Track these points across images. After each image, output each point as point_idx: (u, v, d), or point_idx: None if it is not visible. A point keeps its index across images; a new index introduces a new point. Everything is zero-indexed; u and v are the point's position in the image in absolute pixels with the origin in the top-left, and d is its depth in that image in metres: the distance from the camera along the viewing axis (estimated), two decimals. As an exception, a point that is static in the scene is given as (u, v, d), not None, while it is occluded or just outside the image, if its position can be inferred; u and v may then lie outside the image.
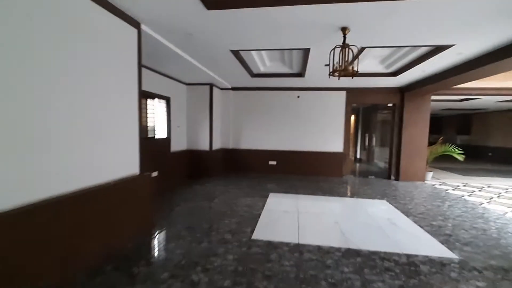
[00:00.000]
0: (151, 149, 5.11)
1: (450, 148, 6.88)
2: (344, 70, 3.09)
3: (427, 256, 2.71)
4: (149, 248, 2.87)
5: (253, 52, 4.57)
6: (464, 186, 6.40)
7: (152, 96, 5.15)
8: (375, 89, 6.85)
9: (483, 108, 11.79)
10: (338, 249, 2.84)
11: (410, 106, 6.69)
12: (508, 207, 4.65)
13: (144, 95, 4.88)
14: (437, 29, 3.14)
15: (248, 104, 7.40)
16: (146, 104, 4.96)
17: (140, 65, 3.14)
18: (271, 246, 2.90)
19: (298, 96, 7.19)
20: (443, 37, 3.37)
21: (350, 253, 2.76)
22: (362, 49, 3.74)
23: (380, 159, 10.01)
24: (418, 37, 3.39)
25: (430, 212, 4.19)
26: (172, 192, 5.21)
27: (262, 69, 5.70)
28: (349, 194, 5.32)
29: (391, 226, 3.55)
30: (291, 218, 3.78)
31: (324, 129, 7.16)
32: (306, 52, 4.15)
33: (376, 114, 9.79)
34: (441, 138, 7.51)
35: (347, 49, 3.11)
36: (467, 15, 2.76)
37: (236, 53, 4.20)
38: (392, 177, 7.00)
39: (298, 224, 3.56)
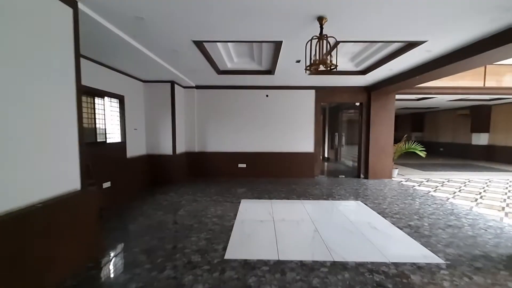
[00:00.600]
0: (102, 155, 4.38)
1: (413, 145, 7.12)
2: (322, 62, 2.80)
3: (414, 264, 2.53)
4: (94, 285, 2.27)
5: (219, 46, 4.12)
6: (427, 181, 6.65)
7: (101, 94, 4.41)
8: (343, 88, 6.82)
9: (435, 107, 12.73)
10: (323, 264, 2.53)
11: (376, 105, 6.78)
12: (472, 201, 4.82)
13: (90, 93, 4.14)
14: (412, 25, 3.02)
15: (215, 104, 6.90)
16: (93, 104, 4.21)
17: (78, 55, 2.52)
18: (248, 267, 2.48)
19: (267, 95, 6.88)
20: (417, 33, 3.28)
21: (337, 268, 2.46)
22: (337, 43, 3.51)
23: (347, 157, 10.18)
24: (393, 33, 3.25)
25: (405, 212, 4.13)
26: (129, 204, 4.52)
27: (229, 66, 5.26)
28: (323, 196, 5.13)
29: (372, 230, 3.36)
30: (267, 229, 3.40)
31: (295, 129, 6.95)
32: (277, 46, 3.82)
33: (342, 113, 9.93)
34: (405, 136, 7.78)
35: (325, 40, 2.82)
36: (442, 10, 2.66)
37: (199, 45, 3.71)
38: (362, 176, 7.04)
39: (275, 235, 3.19)
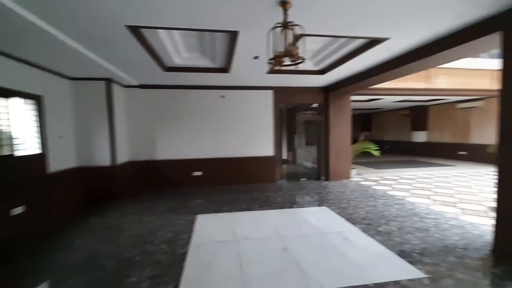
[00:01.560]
0: (8, 173, 3.33)
1: (368, 145, 7.27)
2: (288, 54, 2.38)
3: (397, 283, 2.24)
4: None
5: (163, 35, 3.44)
6: (382, 180, 6.81)
7: (6, 93, 3.37)
8: (301, 88, 6.62)
9: (381, 108, 13.63)
10: (299, 297, 2.09)
11: (334, 106, 6.73)
12: (427, 199, 4.95)
13: (-15, 91, 3.09)
14: (377, 20, 2.81)
15: (164, 106, 6.09)
16: (-10, 106, 3.17)
17: None
18: (206, 315, 1.91)
19: (223, 96, 6.32)
20: (382, 29, 3.09)
21: (316, 300, 2.04)
22: (300, 36, 3.15)
23: (306, 159, 10.15)
24: (358, 27, 3.01)
25: (371, 216, 3.97)
26: (52, 234, 3.53)
27: (178, 61, 4.58)
28: (288, 203, 4.77)
29: (344, 242, 3.06)
30: (229, 253, 2.85)
31: (253, 132, 6.52)
32: (232, 37, 3.31)
33: (300, 114, 9.87)
34: (361, 136, 7.95)
35: (290, 30, 2.41)
36: (407, 3, 2.46)
37: (136, 31, 3.00)
38: (322, 178, 6.93)
39: (240, 261, 2.66)
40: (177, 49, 4.09)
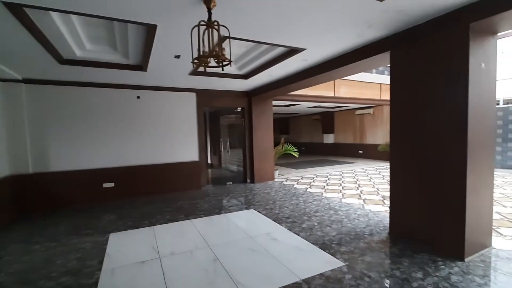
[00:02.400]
0: None
1: (289, 147, 7.81)
2: (213, 55, 2.26)
3: (322, 275, 2.40)
4: None
5: (58, 20, 2.81)
6: (302, 179, 7.42)
7: None
8: (225, 92, 6.59)
9: (297, 113, 14.97)
10: (233, 309, 1.98)
11: (257, 110, 6.96)
12: (338, 193, 5.62)
13: None
14: (294, 31, 3.00)
15: (61, 106, 5.03)
16: None
17: None
18: None
19: (138, 97, 5.69)
20: (298, 40, 3.31)
21: (249, 310, 1.97)
22: (225, 38, 3.08)
23: (231, 162, 10.18)
24: (279, 35, 3.14)
25: (296, 214, 4.22)
26: None
27: (79, 54, 3.85)
28: (215, 209, 4.60)
29: (273, 243, 3.12)
30: (152, 274, 2.51)
31: (176, 136, 6.10)
32: (150, 32, 2.97)
33: (223, 118, 9.84)
34: (283, 139, 8.47)
35: (214, 29, 2.29)
36: (317, 19, 2.73)
37: (17, 11, 2.35)
38: (248, 180, 7.04)
39: (165, 282, 2.36)
40: (78, 39, 3.42)
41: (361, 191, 5.77)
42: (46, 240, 3.44)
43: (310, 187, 6.26)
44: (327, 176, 7.70)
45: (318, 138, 15.18)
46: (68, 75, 4.59)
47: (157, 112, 5.88)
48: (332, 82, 7.94)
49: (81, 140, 5.17)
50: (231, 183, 6.96)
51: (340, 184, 6.52)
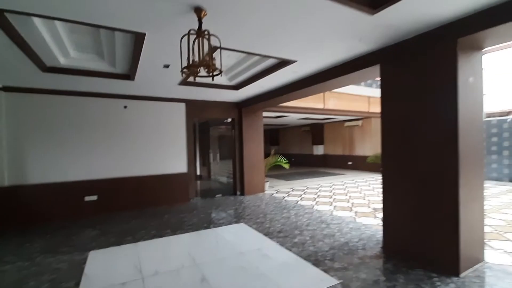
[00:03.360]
0: None
1: (279, 158, 7.75)
2: (204, 65, 2.19)
3: (316, 294, 2.28)
4: None
5: (40, 25, 2.69)
6: (292, 191, 7.32)
7: None
8: (215, 103, 6.52)
9: (287, 124, 15.05)
10: (221, 336, 1.82)
11: (247, 122, 6.90)
12: (329, 205, 5.55)
13: None
14: (284, 43, 3.01)
15: (42, 115, 4.81)
16: None
17: None
18: None
19: (125, 106, 5.53)
20: (290, 52, 3.31)
21: (239, 336, 1.82)
22: (214, 49, 3.03)
23: (221, 174, 10.01)
24: (268, 46, 3.13)
25: (286, 228, 4.10)
26: None
27: (63, 61, 3.71)
28: (204, 224, 4.42)
29: (264, 260, 2.98)
30: (132, 297, 2.32)
31: (164, 147, 5.93)
32: (138, 40, 2.89)
33: (213, 129, 9.74)
34: (273, 151, 8.41)
35: (206, 38, 2.24)
36: (309, 34, 2.74)
37: (-4, 15, 2.23)
38: (238, 193, 6.89)
39: (147, 307, 2.18)
40: (62, 46, 3.29)
41: (352, 203, 5.72)
42: (19, 260, 3.18)
43: (301, 200, 6.17)
44: (318, 188, 7.64)
45: (308, 150, 15.24)
46: (51, 83, 4.42)
47: (144, 122, 5.72)
48: (322, 94, 8.02)
49: (62, 151, 4.93)
50: (220, 195, 6.78)
51: (331, 196, 6.46)
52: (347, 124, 12.65)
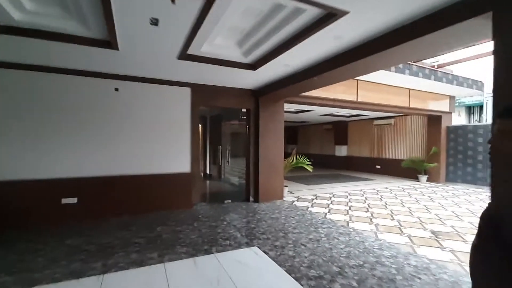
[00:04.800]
0: None
1: (302, 159, 6.51)
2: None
3: None
4: None
5: None
6: (316, 199, 6.07)
7: None
8: (227, 89, 5.37)
9: (307, 121, 13.71)
10: None
11: (265, 114, 5.71)
12: (369, 224, 4.26)
13: None
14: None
15: (4, 97, 3.85)
16: None
17: None
18: None
19: (117, 89, 4.49)
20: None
21: None
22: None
23: (233, 173, 8.90)
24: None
25: (319, 260, 2.88)
26: None
27: (19, 18, 2.68)
28: (204, 244, 3.28)
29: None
30: None
31: (163, 141, 4.85)
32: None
33: (226, 123, 8.61)
34: (294, 150, 7.18)
35: None
36: None
37: None
38: (251, 199, 5.72)
39: None
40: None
41: (399, 221, 4.40)
42: None
43: (329, 212, 4.91)
44: (347, 197, 6.34)
45: (329, 150, 13.83)
46: (9, 52, 3.42)
47: (140, 110, 4.66)
48: (355, 84, 6.69)
49: (32, 142, 3.95)
50: (230, 201, 5.64)
51: (367, 209, 5.16)
52: (376, 122, 11.16)
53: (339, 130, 12.99)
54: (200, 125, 10.35)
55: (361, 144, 12.09)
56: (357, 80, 6.70)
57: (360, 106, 7.11)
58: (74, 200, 4.20)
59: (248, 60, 3.94)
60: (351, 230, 3.89)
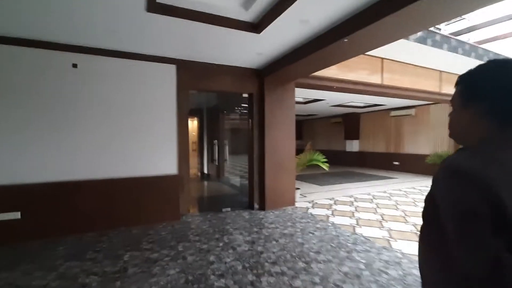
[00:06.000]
0: None
1: (317, 156, 5.36)
2: None
3: None
4: None
5: None
6: (335, 204, 4.93)
7: None
8: (223, 68, 4.22)
9: (314, 114, 12.54)
10: None
11: (272, 99, 4.56)
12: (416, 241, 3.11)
13: None
14: None
15: None
16: None
17: None
18: None
19: (75, 65, 3.36)
20: None
21: None
22: None
23: (234, 173, 7.79)
24: None
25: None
26: None
27: None
28: (188, 286, 2.17)
29: None
30: None
31: (140, 134, 3.73)
32: None
33: (225, 115, 7.48)
34: (309, 144, 6.05)
35: None
36: None
37: None
38: (256, 205, 4.59)
39: None
40: None
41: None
42: None
43: (357, 224, 3.77)
44: (372, 200, 5.20)
45: (339, 145, 12.68)
46: None
47: (108, 93, 3.54)
48: (379, 63, 5.52)
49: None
50: (229, 209, 4.51)
51: (404, 218, 4.02)
52: (394, 113, 9.97)
53: (349, 123, 11.80)
54: (196, 119, 9.28)
55: (376, 138, 10.91)
56: (382, 59, 5.56)
57: (385, 91, 5.92)
58: (16, 215, 3.08)
59: (249, 16, 2.78)
60: (398, 254, 2.76)
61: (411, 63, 6.01)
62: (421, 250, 0.76)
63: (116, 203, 3.55)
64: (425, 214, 0.74)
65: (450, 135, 0.82)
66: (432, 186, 0.69)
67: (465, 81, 0.75)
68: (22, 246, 2.94)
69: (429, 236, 0.72)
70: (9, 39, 3.02)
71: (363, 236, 3.26)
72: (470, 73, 0.74)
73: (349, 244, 2.99)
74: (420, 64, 6.15)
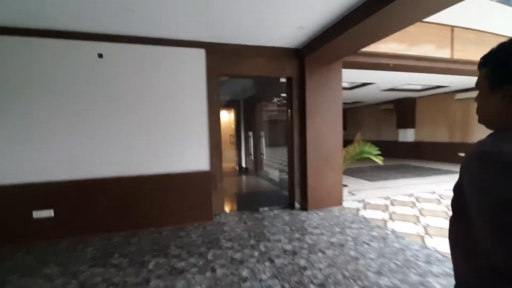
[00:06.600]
0: None
1: (369, 148, 4.59)
2: None
3: None
4: None
5: None
6: (392, 205, 4.15)
7: None
8: (257, 48, 3.70)
9: (359, 102, 11.39)
10: None
11: (314, 82, 3.92)
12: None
13: None
14: None
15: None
16: None
17: None
18: None
19: (101, 55, 3.15)
20: None
21: None
22: None
23: (272, 166, 7.33)
24: None
25: None
26: None
27: None
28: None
29: None
30: None
31: (168, 127, 3.44)
32: None
33: (263, 105, 7.01)
34: (359, 134, 5.30)
35: None
36: None
37: None
38: (297, 205, 4.06)
39: None
40: None
41: None
42: None
43: (426, 233, 3.01)
44: (439, 201, 4.28)
45: (390, 135, 11.35)
46: None
47: (133, 84, 3.29)
48: (449, 32, 4.47)
49: (-18, 132, 2.84)
50: (266, 209, 4.05)
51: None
52: (459, 96, 8.43)
53: (403, 109, 10.41)
54: (233, 110, 8.97)
55: (436, 125, 9.44)
56: (452, 27, 4.50)
57: (455, 67, 4.82)
58: (50, 213, 3.03)
59: (286, -26, 2.20)
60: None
61: (490, 31, 4.79)
62: (451, 242, 0.71)
63: (141, 202, 3.33)
64: (454, 205, 0.70)
65: (480, 121, 0.72)
66: (462, 174, 0.64)
67: (490, 62, 0.66)
68: (54, 245, 2.87)
69: (457, 226, 0.69)
70: (38, 31, 2.89)
71: (438, 252, 2.53)
72: (493, 52, 0.65)
73: (420, 263, 2.31)
74: (502, 33, 4.87)
